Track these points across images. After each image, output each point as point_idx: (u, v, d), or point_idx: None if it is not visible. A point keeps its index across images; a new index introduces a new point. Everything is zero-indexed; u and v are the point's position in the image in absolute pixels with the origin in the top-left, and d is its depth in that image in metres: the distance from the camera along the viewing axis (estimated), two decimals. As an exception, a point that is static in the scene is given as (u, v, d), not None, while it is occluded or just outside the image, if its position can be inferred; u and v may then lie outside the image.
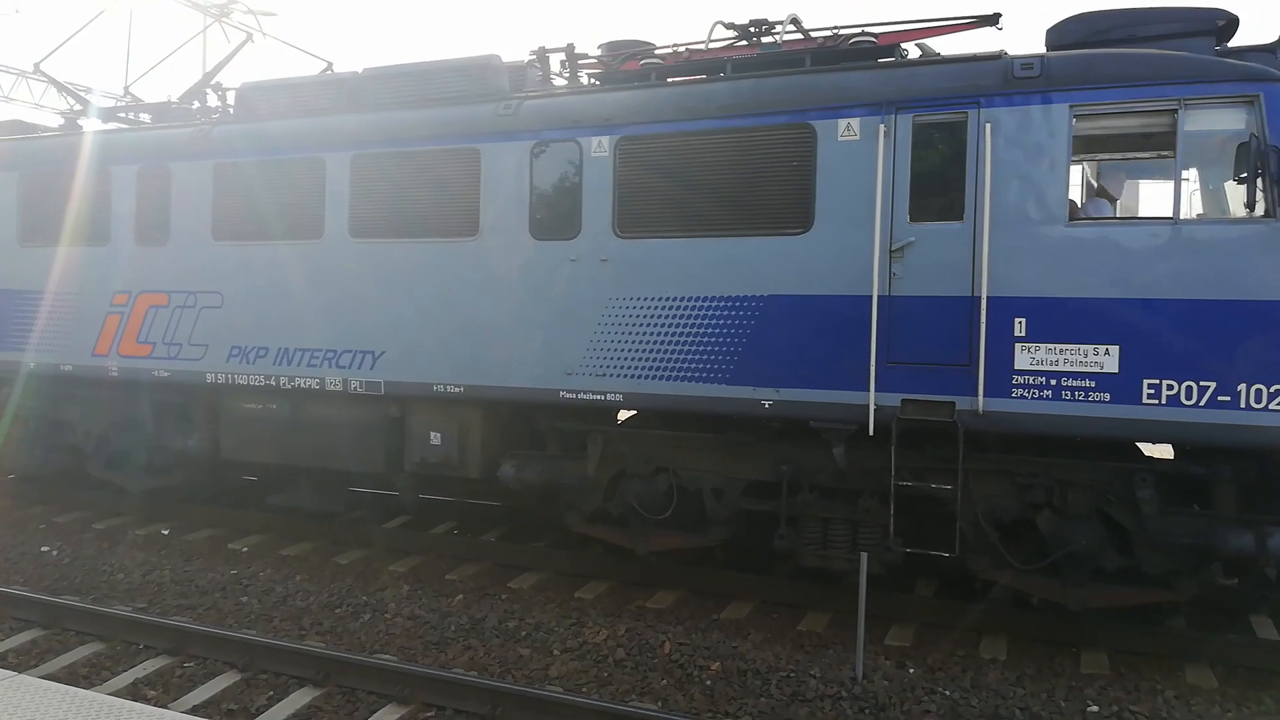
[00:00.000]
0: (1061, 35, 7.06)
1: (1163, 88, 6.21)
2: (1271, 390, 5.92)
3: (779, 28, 8.00)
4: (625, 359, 7.62)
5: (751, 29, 8.08)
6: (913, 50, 7.44)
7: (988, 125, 6.53)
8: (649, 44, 8.59)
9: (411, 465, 8.66)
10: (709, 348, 7.33)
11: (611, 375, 7.68)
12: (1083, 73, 6.42)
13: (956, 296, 6.63)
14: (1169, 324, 6.14)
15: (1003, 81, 6.58)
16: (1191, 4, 6.95)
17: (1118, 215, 6.78)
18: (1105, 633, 6.92)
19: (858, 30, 7.63)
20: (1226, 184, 6.69)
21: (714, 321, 7.32)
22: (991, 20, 7.40)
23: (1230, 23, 6.80)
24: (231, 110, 10.06)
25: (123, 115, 11.03)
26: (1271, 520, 6.24)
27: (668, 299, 7.46)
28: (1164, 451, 7.04)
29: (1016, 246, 6.48)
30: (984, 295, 6.48)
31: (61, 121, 11.26)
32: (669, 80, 7.90)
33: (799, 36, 7.89)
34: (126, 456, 10.20)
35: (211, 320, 9.35)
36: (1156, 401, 6.18)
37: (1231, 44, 6.95)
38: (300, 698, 6.21)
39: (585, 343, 7.75)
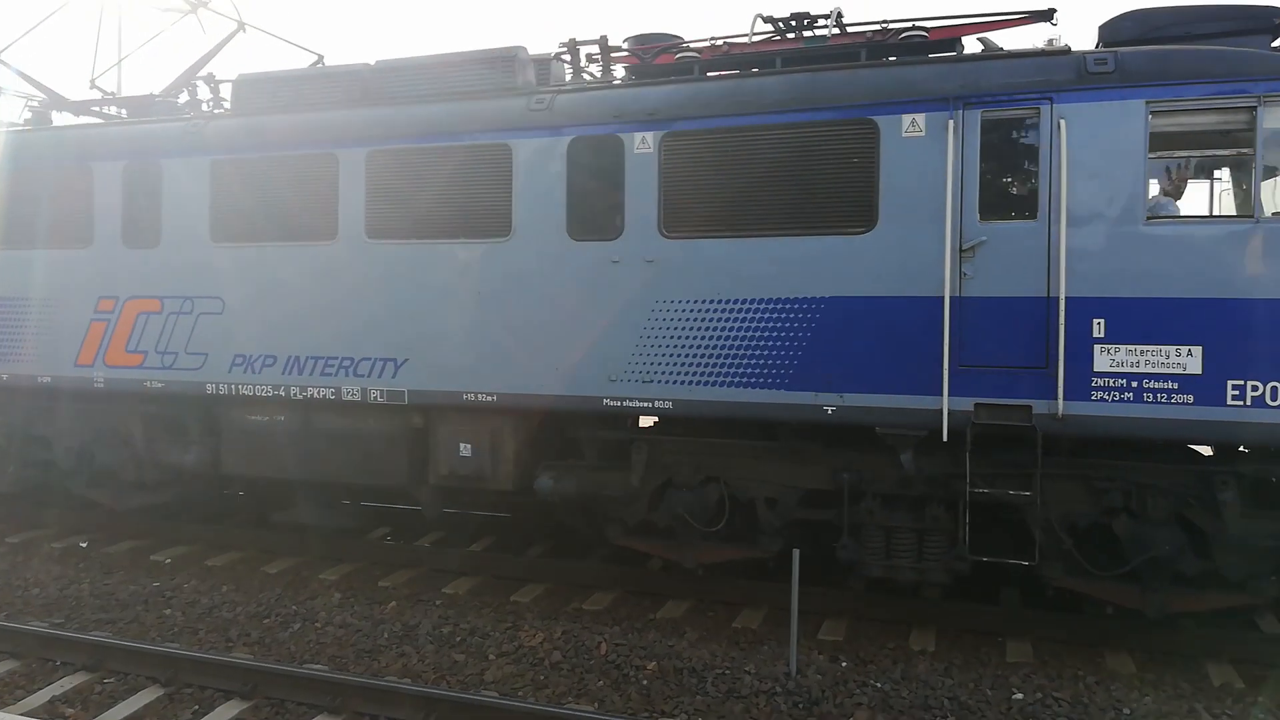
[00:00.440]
0: (1115, 31, 6.93)
1: (1242, 84, 6.11)
2: None
3: (821, 21, 7.75)
4: (674, 364, 7.28)
5: (793, 22, 7.81)
6: (972, 45, 7.25)
7: (1061, 121, 6.36)
8: (677, 37, 8.28)
9: (438, 478, 8.19)
10: (766, 352, 7.04)
11: (659, 381, 7.33)
12: (1159, 68, 6.29)
13: (1031, 297, 6.45)
14: (1253, 324, 6.04)
15: (1076, 76, 6.42)
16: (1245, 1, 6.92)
17: (1182, 214, 6.68)
18: (1029, 622, 7.10)
19: (908, 24, 7.42)
20: None
21: (771, 325, 7.03)
22: (1046, 15, 7.27)
23: (1288, 19, 6.75)
24: (226, 104, 9.43)
25: (97, 109, 10.29)
26: None
27: (720, 301, 7.15)
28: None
29: (1093, 246, 6.33)
30: (1062, 296, 6.31)
31: (28, 115, 10.45)
32: (715, 74, 7.58)
33: (844, 31, 7.65)
34: (112, 473, 9.49)
35: (211, 327, 8.73)
36: (1241, 403, 6.07)
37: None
38: (226, 711, 6.06)
39: (630, 348, 7.39)
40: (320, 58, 10.65)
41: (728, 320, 7.14)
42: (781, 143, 7.00)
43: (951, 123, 6.57)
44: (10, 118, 10.51)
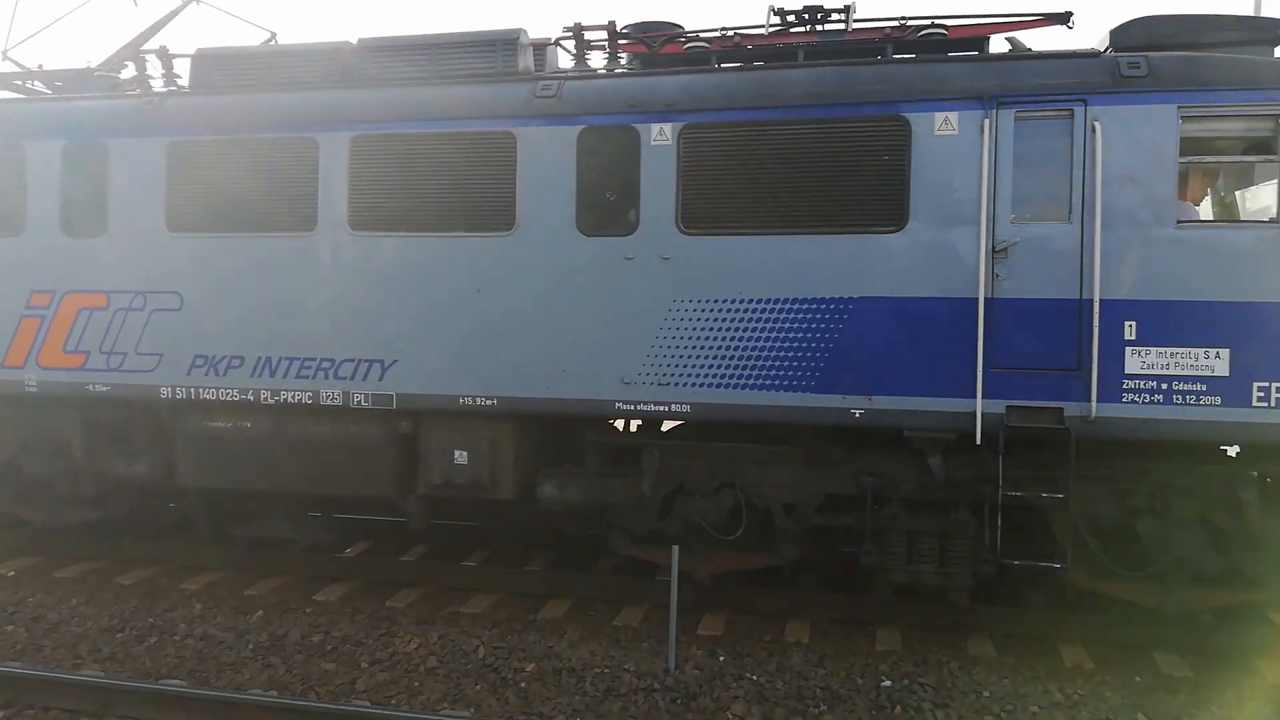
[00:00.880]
0: (1125, 37, 6.98)
1: (1270, 92, 6.23)
2: None
3: (834, 15, 7.60)
4: (693, 366, 6.98)
5: (805, 15, 7.63)
6: (998, 43, 7.20)
7: (1096, 123, 6.36)
8: (678, 25, 7.99)
9: (429, 487, 7.64)
10: (792, 354, 6.81)
11: (677, 384, 7.02)
12: (1189, 74, 6.36)
13: (1064, 299, 6.42)
14: (1277, 326, 6.16)
15: (1110, 79, 6.43)
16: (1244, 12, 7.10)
17: (1209, 219, 6.80)
18: (897, 611, 7.32)
19: (927, 21, 7.33)
20: None
21: (797, 325, 6.81)
22: (1064, 19, 7.30)
23: (1288, 32, 6.95)
24: (180, 81, 8.61)
25: (19, 84, 9.26)
26: None
27: (743, 301, 6.88)
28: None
29: (1125, 249, 6.34)
30: (1096, 298, 6.31)
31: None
32: (736, 65, 7.32)
33: (863, 24, 7.51)
34: (43, 486, 8.54)
35: (167, 325, 7.94)
36: (1266, 404, 6.19)
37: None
38: (75, 732, 5.73)
39: (645, 349, 7.05)
40: (273, 35, 9.90)
41: (751, 320, 6.88)
42: (808, 138, 6.79)
43: (987, 122, 6.49)
44: None
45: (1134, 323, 6.34)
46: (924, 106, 6.62)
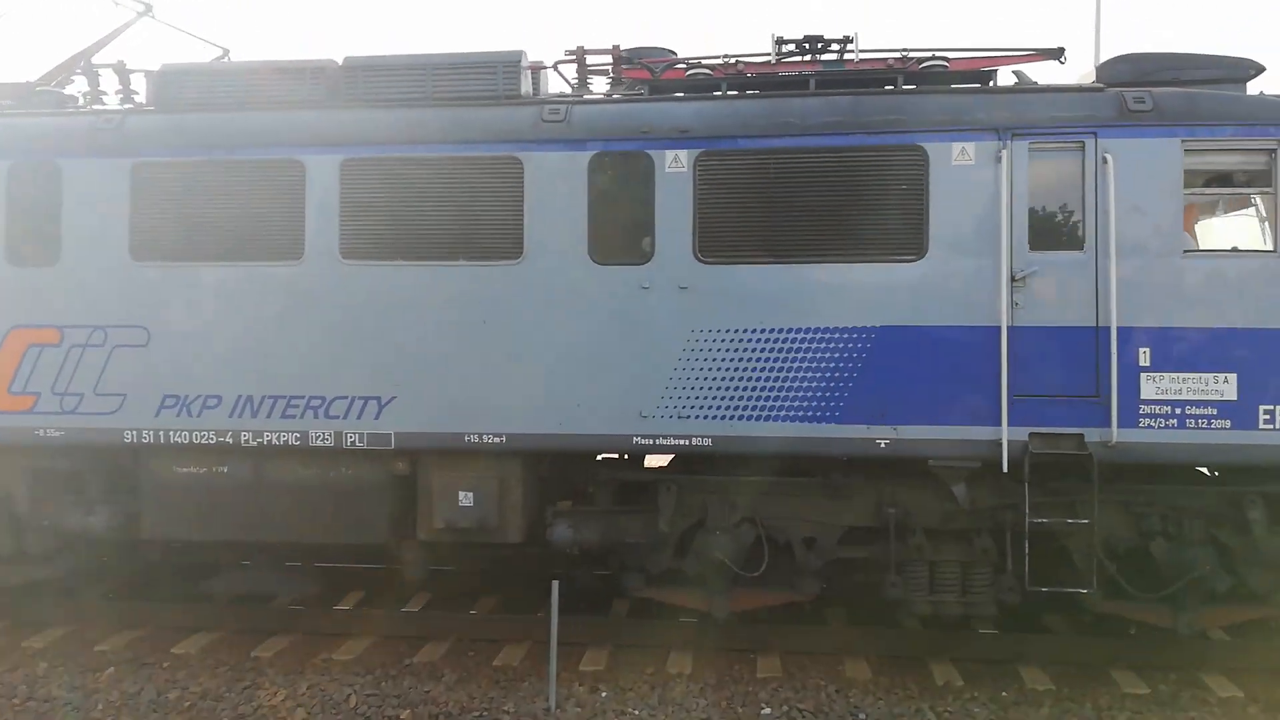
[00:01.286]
0: (1111, 73, 7.26)
1: (1265, 128, 6.53)
2: None
3: (834, 45, 7.64)
4: (713, 398, 6.82)
5: (806, 45, 7.64)
6: (1005, 76, 7.35)
7: (1106, 155, 6.54)
8: (671, 51, 7.91)
9: (429, 533, 7.21)
10: (815, 384, 6.73)
11: (697, 417, 6.84)
12: (1190, 109, 6.62)
13: (1081, 326, 6.56)
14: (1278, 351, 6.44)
15: (1118, 113, 6.63)
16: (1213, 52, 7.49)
17: (1212, 249, 7.07)
18: (775, 636, 7.37)
19: (929, 54, 7.44)
20: None
21: (820, 355, 6.74)
22: (1056, 54, 7.52)
23: (1258, 72, 7.36)
24: (138, 98, 7.98)
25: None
26: None
27: (765, 330, 6.78)
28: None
29: (1136, 277, 6.53)
30: (1114, 325, 6.46)
31: None
32: (753, 92, 7.24)
33: (867, 54, 7.57)
34: (-21, 544, 7.69)
35: (131, 362, 7.28)
36: (1272, 427, 6.44)
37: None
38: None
39: (663, 381, 6.86)
40: (226, 51, 9.33)
41: (773, 350, 6.78)
42: (827, 166, 6.76)
43: (1004, 152, 6.59)
44: None
45: (1148, 349, 6.52)
46: (942, 136, 6.68)
